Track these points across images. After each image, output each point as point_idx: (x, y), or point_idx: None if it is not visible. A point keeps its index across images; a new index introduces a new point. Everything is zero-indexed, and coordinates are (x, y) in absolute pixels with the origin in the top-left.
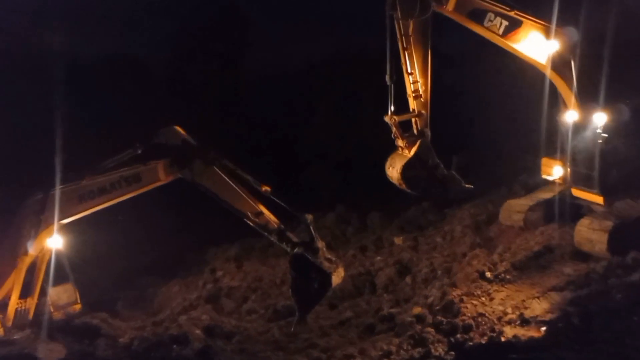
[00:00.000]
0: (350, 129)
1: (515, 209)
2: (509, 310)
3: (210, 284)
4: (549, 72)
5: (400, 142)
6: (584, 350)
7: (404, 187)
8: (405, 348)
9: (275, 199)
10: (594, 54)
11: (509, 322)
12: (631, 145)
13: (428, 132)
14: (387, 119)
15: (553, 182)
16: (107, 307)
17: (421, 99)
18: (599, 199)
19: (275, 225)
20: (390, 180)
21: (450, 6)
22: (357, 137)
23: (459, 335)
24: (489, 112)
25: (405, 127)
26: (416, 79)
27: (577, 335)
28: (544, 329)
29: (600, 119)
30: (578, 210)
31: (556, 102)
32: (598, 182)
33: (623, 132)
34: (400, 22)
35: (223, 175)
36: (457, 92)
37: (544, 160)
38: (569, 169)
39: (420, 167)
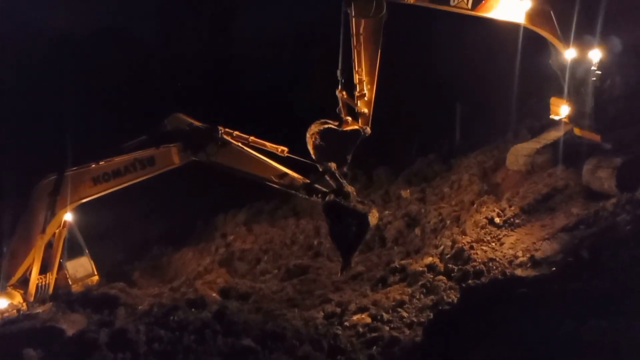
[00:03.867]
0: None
1: (522, 153)
2: (520, 253)
3: (223, 249)
4: (531, 26)
5: (342, 115)
6: (593, 280)
7: (310, 140)
8: (417, 297)
9: (294, 157)
10: None
11: (520, 265)
12: (626, 80)
13: (368, 130)
14: (337, 92)
15: (560, 123)
16: (123, 278)
17: (365, 98)
18: (596, 137)
19: (301, 181)
20: (307, 134)
21: None
22: None
23: (470, 281)
24: (489, 59)
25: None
26: (362, 78)
27: (585, 267)
28: (554, 269)
29: (593, 56)
30: (585, 149)
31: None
32: (593, 120)
33: (617, 67)
34: (354, 19)
35: (239, 148)
36: (455, 40)
37: (553, 100)
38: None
39: (337, 143)
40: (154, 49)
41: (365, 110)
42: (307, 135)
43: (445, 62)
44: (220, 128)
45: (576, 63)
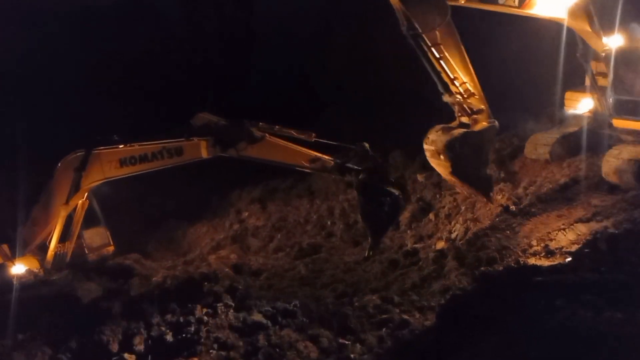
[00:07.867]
0: (370, 67)
1: (541, 141)
2: (534, 242)
3: (237, 225)
4: (571, 23)
5: (464, 119)
6: (610, 272)
7: (444, 150)
8: (429, 281)
9: (323, 141)
10: None
11: (534, 254)
12: None
13: (496, 124)
14: (445, 98)
15: (579, 115)
16: (138, 249)
17: (475, 97)
18: None
19: (332, 162)
20: (426, 147)
21: None
22: (376, 75)
23: (482, 268)
24: (514, 47)
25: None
26: (462, 81)
27: (603, 258)
28: (569, 259)
29: None
30: (606, 141)
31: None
32: None
33: None
34: (424, 35)
35: (268, 140)
36: (481, 26)
37: (568, 94)
38: (603, 101)
39: (476, 145)
40: (176, 22)
41: (482, 107)
42: (432, 147)
43: (467, 48)
44: (245, 122)
45: (622, 50)
